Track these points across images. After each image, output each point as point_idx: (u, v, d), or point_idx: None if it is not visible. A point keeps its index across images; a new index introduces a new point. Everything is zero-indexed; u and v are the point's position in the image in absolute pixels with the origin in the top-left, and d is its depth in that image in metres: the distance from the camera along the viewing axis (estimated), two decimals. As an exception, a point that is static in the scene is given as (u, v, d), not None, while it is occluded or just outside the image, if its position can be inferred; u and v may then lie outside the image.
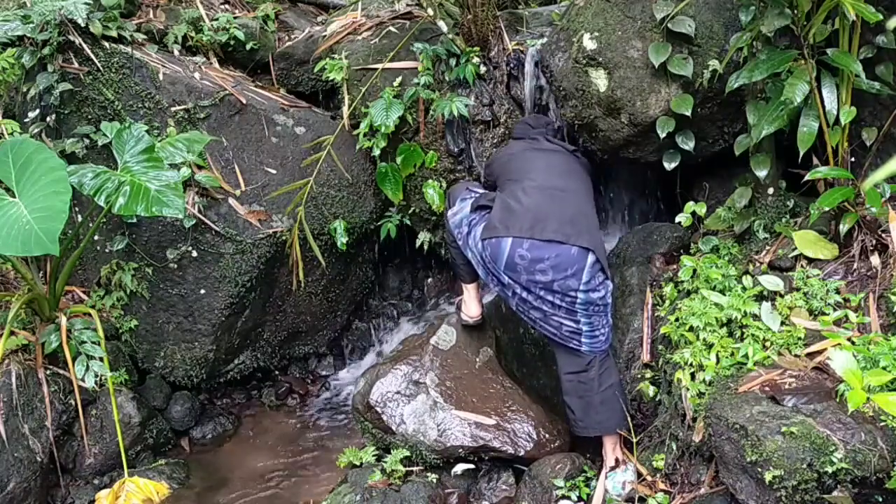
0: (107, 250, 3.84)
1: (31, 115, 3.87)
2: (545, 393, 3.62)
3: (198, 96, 3.89)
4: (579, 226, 2.98)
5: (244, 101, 3.97)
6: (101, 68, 3.78)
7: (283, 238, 3.84)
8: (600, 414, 3.01)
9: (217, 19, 4.35)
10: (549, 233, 2.93)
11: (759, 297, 2.92)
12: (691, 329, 2.88)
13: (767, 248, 3.15)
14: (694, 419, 2.71)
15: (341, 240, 3.96)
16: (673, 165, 3.50)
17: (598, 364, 3.04)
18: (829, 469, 2.19)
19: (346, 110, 4.02)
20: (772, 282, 2.93)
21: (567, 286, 2.93)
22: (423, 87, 3.83)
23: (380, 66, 3.94)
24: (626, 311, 3.44)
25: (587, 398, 3.03)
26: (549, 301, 2.97)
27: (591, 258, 2.93)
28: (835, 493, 2.21)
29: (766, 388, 2.51)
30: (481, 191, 3.39)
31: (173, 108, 3.84)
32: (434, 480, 3.16)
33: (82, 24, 3.67)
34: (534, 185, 3.11)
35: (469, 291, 3.51)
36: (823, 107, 2.87)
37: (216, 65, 4.32)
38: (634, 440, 2.95)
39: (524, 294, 3.01)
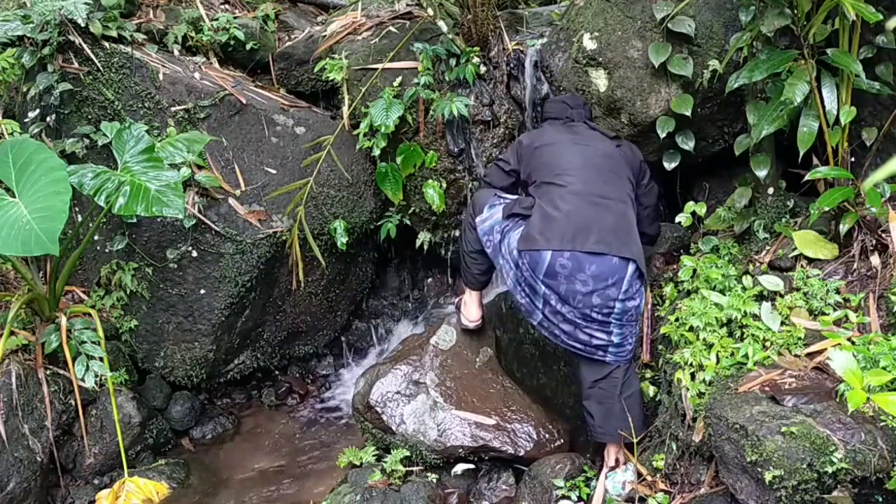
0: (107, 250, 3.84)
1: (31, 115, 3.87)
2: (545, 393, 3.62)
3: (198, 96, 3.89)
4: (621, 234, 2.89)
5: (244, 101, 3.97)
6: (101, 68, 3.78)
7: (283, 238, 3.84)
8: (620, 421, 2.95)
9: (217, 19, 4.35)
10: (591, 244, 2.83)
11: (759, 297, 2.92)
12: (691, 329, 2.88)
13: (767, 248, 3.15)
14: (694, 419, 2.71)
15: (341, 240, 3.96)
16: (673, 165, 3.50)
17: (622, 372, 2.99)
18: (829, 469, 2.19)
19: (346, 110, 4.02)
20: (772, 282, 2.93)
21: (607, 296, 2.85)
22: (423, 87, 3.83)
23: (380, 66, 3.94)
24: (626, 311, 3.44)
25: (607, 405, 2.97)
26: (585, 313, 2.88)
27: (631, 267, 2.87)
28: (835, 493, 2.21)
29: (766, 388, 2.51)
30: (511, 198, 3.22)
31: (173, 108, 3.84)
32: (434, 480, 3.16)
33: (82, 24, 3.67)
34: (573, 191, 2.97)
35: (472, 296, 3.48)
36: (823, 107, 2.87)
37: (216, 65, 4.32)
38: (635, 440, 2.95)
39: (559, 305, 2.90)
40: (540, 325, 3.04)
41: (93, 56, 3.76)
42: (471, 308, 3.48)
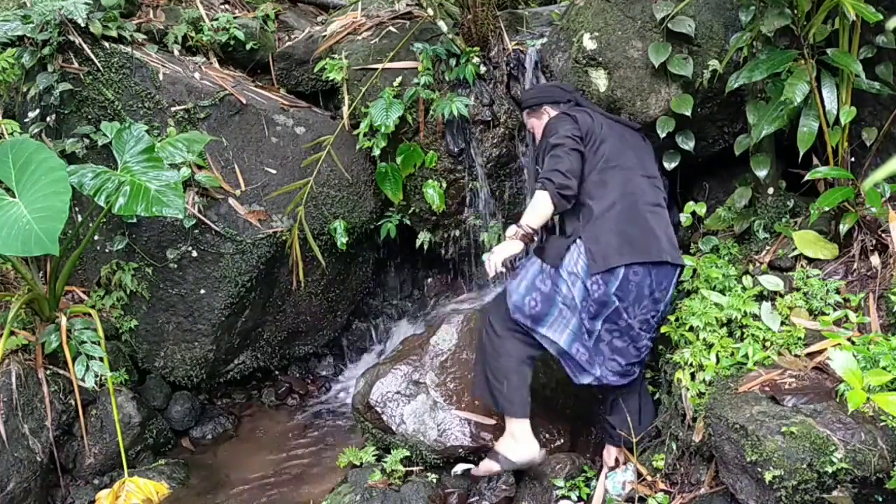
0: (107, 250, 3.84)
1: (31, 115, 3.87)
2: (545, 393, 3.61)
3: (198, 96, 3.89)
4: (674, 241, 2.92)
5: (244, 101, 3.97)
6: (101, 68, 3.78)
7: (283, 238, 3.84)
8: (644, 423, 3.03)
9: (217, 19, 4.35)
10: (655, 253, 2.81)
11: (759, 297, 2.92)
12: (691, 329, 2.88)
13: (767, 248, 3.15)
14: (694, 419, 2.71)
15: (341, 240, 3.96)
16: (673, 165, 3.50)
17: (641, 377, 3.06)
18: (829, 469, 2.19)
19: (346, 110, 4.02)
20: (772, 282, 2.93)
21: (662, 298, 2.88)
22: (423, 87, 3.83)
23: (380, 66, 3.94)
24: (626, 311, 3.44)
25: (631, 409, 3.01)
26: (646, 319, 2.88)
27: (677, 272, 2.93)
28: (835, 493, 2.21)
29: (766, 388, 2.51)
30: (533, 264, 2.94)
31: (173, 108, 3.84)
32: (434, 480, 3.16)
33: (82, 24, 3.67)
34: (637, 202, 2.87)
35: (521, 427, 2.91)
36: (823, 107, 2.87)
37: (216, 65, 4.32)
38: (634, 440, 2.95)
39: (624, 317, 2.82)
40: (596, 346, 2.88)
41: (93, 56, 3.76)
42: (523, 443, 2.91)
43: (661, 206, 2.97)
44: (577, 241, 2.84)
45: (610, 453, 3.06)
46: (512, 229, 2.83)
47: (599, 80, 3.45)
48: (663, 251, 2.83)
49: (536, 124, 3.22)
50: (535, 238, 2.89)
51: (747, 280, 2.99)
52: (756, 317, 2.83)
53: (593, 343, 2.89)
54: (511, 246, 2.80)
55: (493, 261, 2.78)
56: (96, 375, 3.44)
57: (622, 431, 3.00)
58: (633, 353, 2.93)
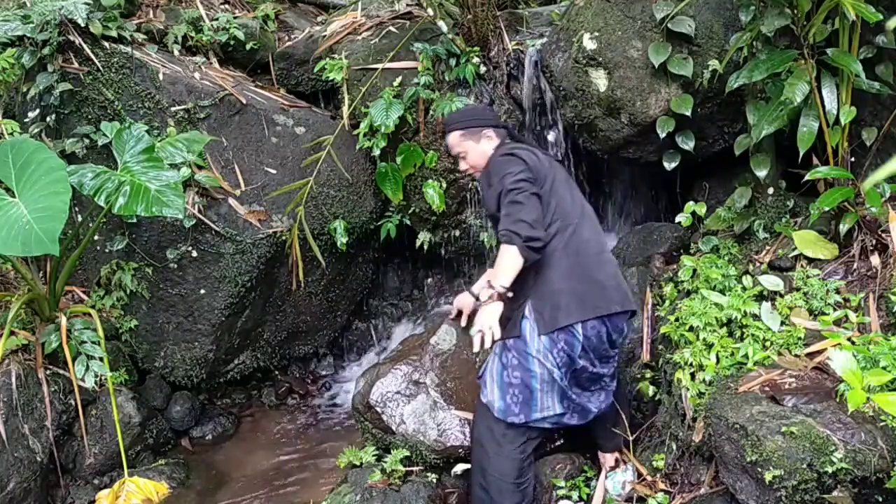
0: (107, 250, 3.84)
1: (31, 115, 3.87)
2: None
3: (198, 96, 3.89)
4: (623, 286, 2.85)
5: (244, 101, 3.97)
6: (101, 68, 3.78)
7: (283, 238, 3.84)
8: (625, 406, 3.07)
9: (217, 19, 4.35)
10: (605, 306, 2.72)
11: (759, 297, 2.92)
12: (691, 329, 2.88)
13: (767, 247, 3.15)
14: (694, 419, 2.71)
15: (341, 240, 3.96)
16: (673, 165, 3.50)
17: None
18: (829, 469, 2.19)
19: (346, 110, 4.02)
20: (772, 282, 2.93)
21: (618, 340, 2.85)
22: (423, 87, 3.83)
23: (380, 66, 3.94)
24: (626, 311, 3.44)
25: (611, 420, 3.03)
26: (607, 358, 2.84)
27: (629, 315, 2.86)
28: (835, 493, 2.21)
29: (766, 388, 2.51)
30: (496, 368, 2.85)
31: (173, 108, 3.84)
32: (434, 480, 3.16)
33: (82, 24, 3.67)
34: (585, 253, 2.77)
35: None
36: (823, 107, 2.87)
37: (216, 65, 4.32)
38: (632, 439, 2.95)
39: (590, 369, 2.78)
40: (576, 402, 2.84)
41: (93, 56, 3.76)
42: None
43: (605, 251, 2.88)
44: (527, 306, 2.74)
45: (605, 458, 3.06)
46: (486, 293, 2.66)
47: (599, 80, 3.45)
48: (613, 302, 2.75)
49: (473, 148, 2.99)
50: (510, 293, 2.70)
51: (747, 280, 2.99)
52: (756, 317, 2.83)
53: (579, 394, 2.87)
54: (494, 311, 2.65)
55: (486, 333, 2.61)
56: (96, 375, 3.44)
57: (609, 441, 3.03)
58: (608, 380, 2.91)
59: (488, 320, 2.63)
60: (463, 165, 3.07)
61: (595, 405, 2.90)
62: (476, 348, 2.67)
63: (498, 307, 2.64)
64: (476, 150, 2.99)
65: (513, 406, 2.78)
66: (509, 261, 2.63)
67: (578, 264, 2.75)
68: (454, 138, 3.02)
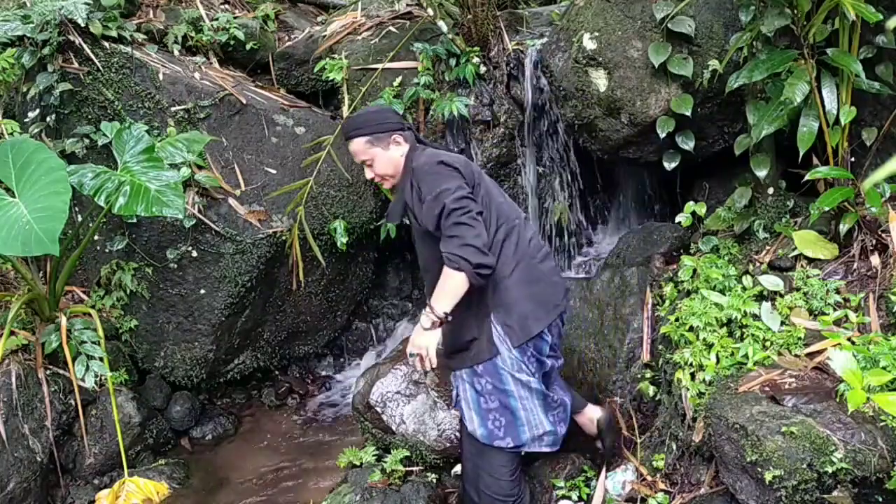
0: (107, 250, 3.84)
1: (31, 115, 3.87)
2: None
3: (198, 96, 3.89)
4: (560, 272, 2.92)
5: (244, 101, 3.97)
6: (101, 68, 3.78)
7: (283, 238, 3.84)
8: None
9: (217, 19, 4.35)
10: (565, 297, 2.83)
11: (759, 297, 2.92)
12: (691, 329, 2.88)
13: (767, 247, 3.15)
14: (694, 419, 2.71)
15: (341, 240, 3.96)
16: (673, 165, 3.50)
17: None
18: (829, 469, 2.19)
19: (346, 110, 4.02)
20: (772, 282, 2.93)
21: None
22: (423, 87, 3.83)
23: (380, 66, 3.94)
24: (626, 311, 3.44)
25: None
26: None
27: None
28: (835, 493, 2.21)
29: (766, 388, 2.51)
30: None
31: (173, 108, 3.84)
32: (434, 480, 3.16)
33: (82, 24, 3.67)
34: (530, 254, 2.75)
35: None
36: (823, 107, 2.87)
37: (216, 65, 4.32)
38: (632, 438, 2.95)
39: (556, 364, 2.90)
40: (552, 389, 2.89)
41: (93, 56, 3.76)
42: None
43: (543, 245, 2.86)
44: (492, 322, 2.67)
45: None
46: (427, 320, 2.54)
47: (599, 80, 3.45)
48: (564, 296, 2.82)
49: (381, 155, 2.75)
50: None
51: (747, 280, 2.99)
52: (756, 317, 2.83)
53: (555, 390, 2.92)
54: (432, 338, 2.56)
55: (423, 357, 2.56)
56: (96, 375, 3.44)
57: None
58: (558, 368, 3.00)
59: (423, 343, 2.55)
60: (369, 174, 2.82)
61: (567, 396, 2.99)
62: (418, 373, 2.67)
63: (435, 335, 2.56)
64: (384, 157, 2.75)
65: (496, 430, 2.74)
66: (455, 287, 2.50)
67: (530, 266, 2.72)
68: (359, 145, 2.76)
